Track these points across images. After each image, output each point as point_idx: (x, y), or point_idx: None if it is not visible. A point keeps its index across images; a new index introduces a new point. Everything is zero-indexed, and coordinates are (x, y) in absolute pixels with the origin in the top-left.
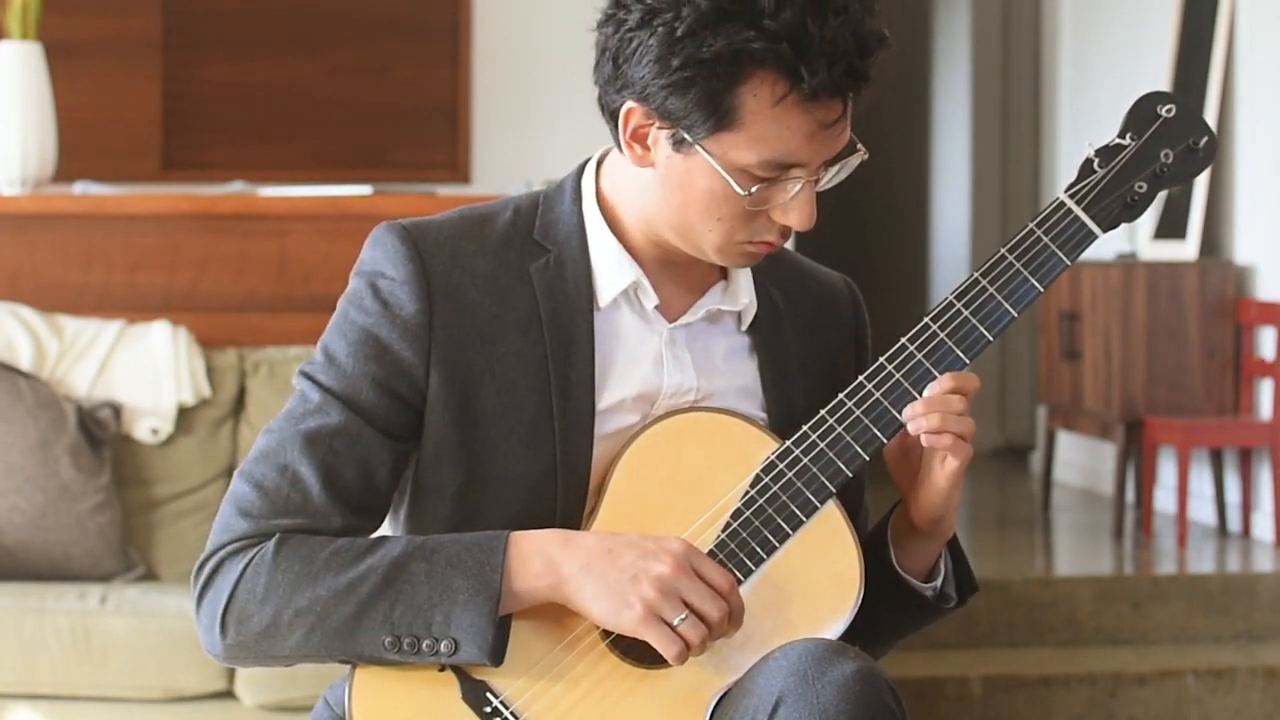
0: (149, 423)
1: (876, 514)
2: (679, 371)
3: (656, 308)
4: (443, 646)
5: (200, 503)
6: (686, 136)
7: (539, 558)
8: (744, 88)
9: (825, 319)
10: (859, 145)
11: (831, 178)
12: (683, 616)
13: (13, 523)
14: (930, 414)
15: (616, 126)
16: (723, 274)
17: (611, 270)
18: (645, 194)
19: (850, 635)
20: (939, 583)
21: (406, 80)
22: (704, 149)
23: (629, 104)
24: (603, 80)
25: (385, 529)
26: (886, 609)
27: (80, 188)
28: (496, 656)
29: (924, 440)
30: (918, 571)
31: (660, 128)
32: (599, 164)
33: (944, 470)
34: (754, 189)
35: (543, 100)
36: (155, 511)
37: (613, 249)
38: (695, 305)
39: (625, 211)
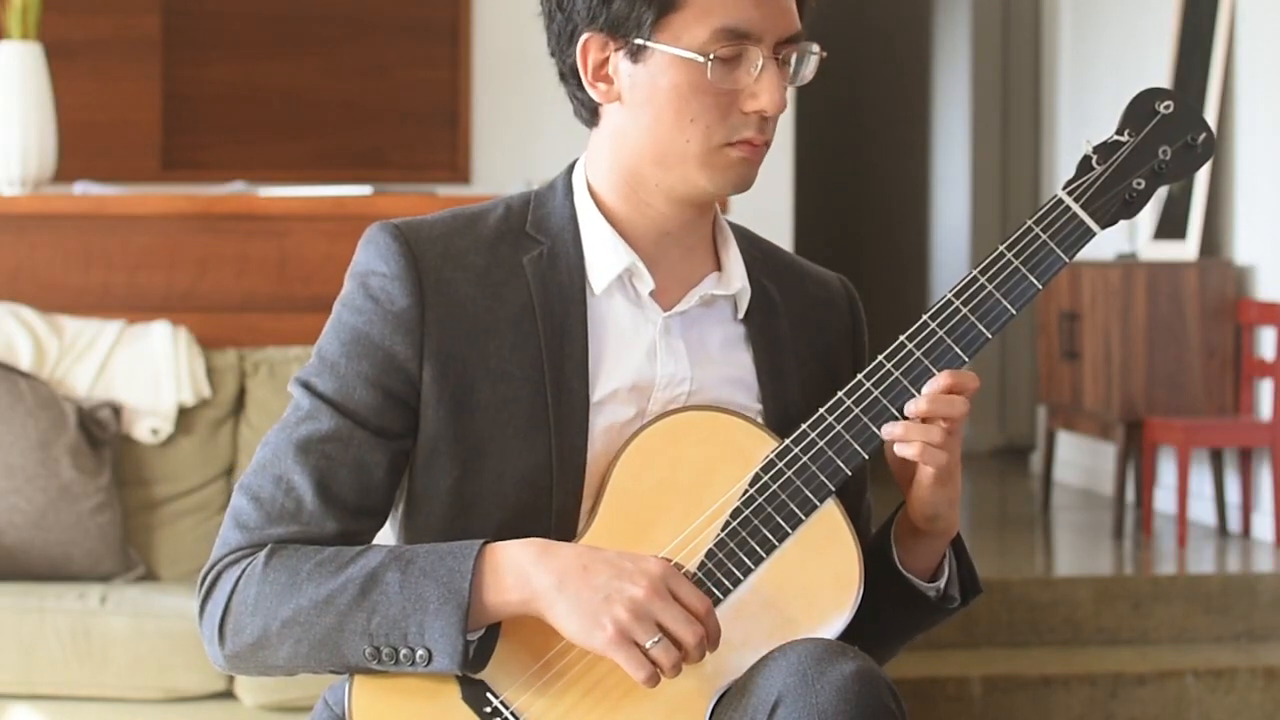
0: (149, 423)
1: (881, 514)
2: (672, 361)
3: (651, 294)
4: (418, 656)
5: (200, 503)
6: (639, 40)
7: (512, 570)
8: None
9: (822, 316)
10: (816, 46)
11: (795, 69)
12: (655, 640)
13: (13, 523)
14: (897, 424)
15: (580, 80)
16: (716, 265)
17: (605, 257)
18: (621, 139)
19: (855, 638)
20: (942, 583)
21: (406, 80)
22: (658, 43)
23: (582, 38)
24: (555, 38)
25: (386, 530)
26: (889, 608)
27: (80, 188)
28: (473, 666)
29: (897, 449)
30: (920, 571)
31: (616, 49)
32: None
33: (923, 472)
34: (714, 56)
35: (543, 101)
36: (155, 511)
37: (606, 235)
38: (689, 294)
39: (611, 186)
